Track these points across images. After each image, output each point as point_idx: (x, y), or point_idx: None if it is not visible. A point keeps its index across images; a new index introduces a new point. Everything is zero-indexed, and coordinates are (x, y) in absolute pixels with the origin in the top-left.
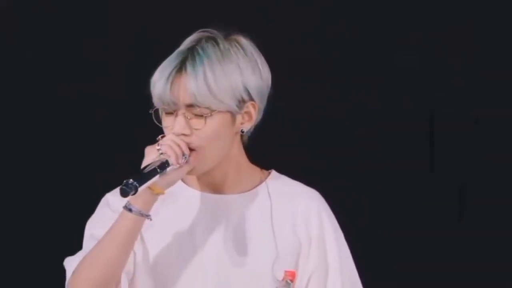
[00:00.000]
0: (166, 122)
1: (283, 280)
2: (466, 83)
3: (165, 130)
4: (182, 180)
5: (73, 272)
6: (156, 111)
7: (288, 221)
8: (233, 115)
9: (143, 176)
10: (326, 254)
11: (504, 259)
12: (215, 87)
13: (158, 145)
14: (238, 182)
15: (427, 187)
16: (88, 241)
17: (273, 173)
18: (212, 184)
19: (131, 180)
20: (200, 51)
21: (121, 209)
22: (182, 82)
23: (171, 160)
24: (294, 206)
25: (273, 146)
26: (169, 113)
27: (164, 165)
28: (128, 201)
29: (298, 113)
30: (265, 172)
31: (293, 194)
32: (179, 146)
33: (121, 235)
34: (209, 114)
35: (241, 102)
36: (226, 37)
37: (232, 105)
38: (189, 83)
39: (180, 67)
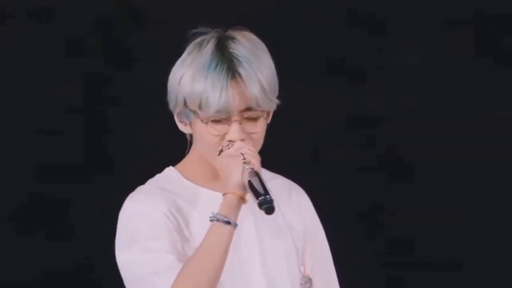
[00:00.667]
0: (215, 130)
1: (305, 275)
2: None
3: (209, 138)
4: (192, 180)
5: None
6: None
7: (294, 215)
8: (268, 115)
9: (265, 189)
10: (322, 246)
11: None
12: (268, 88)
13: (227, 154)
14: None
15: None
16: (146, 255)
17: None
18: (221, 181)
19: (268, 196)
20: (238, 54)
21: (165, 210)
22: (239, 88)
23: (255, 168)
24: (293, 200)
25: None
26: (216, 121)
27: (257, 174)
28: (222, 214)
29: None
30: None
31: (288, 188)
32: (255, 152)
33: (222, 249)
34: (263, 116)
35: (277, 105)
36: (233, 32)
37: (275, 106)
38: (251, 88)
39: (233, 74)
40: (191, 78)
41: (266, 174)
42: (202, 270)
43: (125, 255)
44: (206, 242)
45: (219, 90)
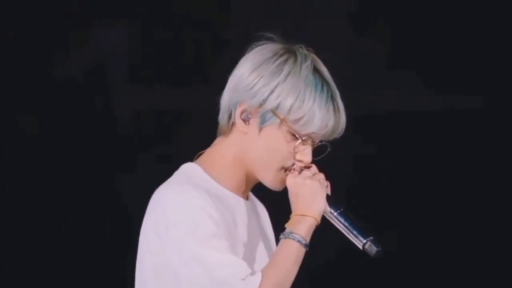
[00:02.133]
0: (299, 147)
1: None
2: None
3: (284, 151)
4: (221, 183)
5: None
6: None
7: (268, 227)
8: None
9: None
10: None
11: None
12: None
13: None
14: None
15: None
16: (220, 255)
17: None
18: (243, 187)
19: (372, 237)
20: (332, 83)
21: (215, 208)
22: (336, 121)
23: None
24: (261, 212)
25: None
26: (303, 140)
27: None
28: (303, 237)
29: None
30: None
31: (255, 200)
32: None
33: (297, 267)
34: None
35: None
36: (312, 54)
37: None
38: (343, 121)
39: (336, 106)
40: (294, 92)
41: None
42: (286, 282)
43: (191, 246)
44: (289, 259)
45: (324, 114)
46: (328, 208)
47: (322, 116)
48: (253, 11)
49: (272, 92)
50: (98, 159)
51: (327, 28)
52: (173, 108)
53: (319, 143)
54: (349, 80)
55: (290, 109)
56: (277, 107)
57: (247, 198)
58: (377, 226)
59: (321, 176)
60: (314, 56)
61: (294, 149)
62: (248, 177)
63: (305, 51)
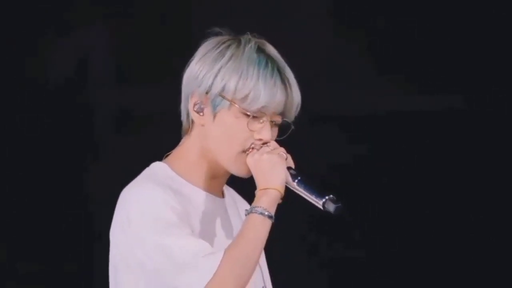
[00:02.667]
0: (253, 126)
1: (264, 286)
2: None
3: (240, 131)
4: (189, 180)
5: (219, 276)
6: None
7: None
8: (284, 133)
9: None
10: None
11: None
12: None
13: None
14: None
15: None
16: (181, 240)
17: None
18: (213, 183)
19: (332, 195)
20: (280, 60)
21: (176, 202)
22: (286, 93)
23: (299, 173)
24: (242, 209)
25: None
26: (256, 117)
27: (302, 176)
28: (265, 208)
29: None
30: None
31: (237, 196)
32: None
33: (263, 242)
34: (284, 125)
35: None
36: (261, 40)
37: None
38: (296, 95)
39: (282, 78)
40: (237, 72)
41: None
42: (247, 262)
43: (155, 238)
44: (252, 233)
45: (270, 88)
46: (290, 179)
47: (269, 89)
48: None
49: (216, 76)
50: (69, 157)
51: (313, 28)
52: (145, 107)
53: (281, 121)
54: (340, 78)
55: (235, 89)
56: (223, 89)
57: (222, 194)
58: (376, 226)
59: (281, 149)
60: (262, 40)
61: (249, 128)
62: (216, 171)
63: (249, 36)
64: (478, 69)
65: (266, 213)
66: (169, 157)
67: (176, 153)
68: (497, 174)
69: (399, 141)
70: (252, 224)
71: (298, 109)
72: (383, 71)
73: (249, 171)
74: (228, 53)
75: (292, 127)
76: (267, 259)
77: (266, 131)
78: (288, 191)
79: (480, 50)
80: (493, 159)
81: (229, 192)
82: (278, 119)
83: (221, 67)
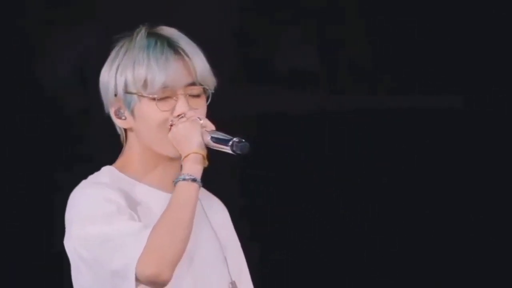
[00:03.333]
0: (164, 106)
1: (232, 281)
2: None
3: (158, 115)
4: (133, 177)
5: (149, 248)
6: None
7: (217, 220)
8: (207, 99)
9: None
10: (242, 257)
11: None
12: (209, 67)
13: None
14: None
15: None
16: (113, 225)
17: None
18: (165, 180)
19: (237, 138)
20: (174, 33)
21: (119, 196)
22: (183, 62)
23: (213, 131)
24: (215, 206)
25: None
26: (162, 99)
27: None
28: (188, 173)
29: None
30: None
31: (208, 196)
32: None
33: (192, 204)
34: (203, 94)
35: (213, 89)
36: (161, 26)
37: (213, 88)
38: (195, 61)
39: (175, 49)
40: (131, 63)
41: None
42: (177, 225)
43: (90, 230)
44: (177, 199)
45: (163, 64)
46: (208, 139)
47: (162, 66)
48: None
49: (115, 76)
50: (70, 158)
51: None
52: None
53: (202, 89)
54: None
55: (134, 80)
56: (125, 85)
57: None
58: (376, 226)
59: (191, 113)
60: (158, 26)
61: (162, 110)
62: (165, 165)
63: (143, 27)
64: (478, 69)
65: (188, 176)
66: (115, 164)
67: (121, 160)
68: (497, 174)
69: (399, 141)
70: (176, 191)
71: (210, 73)
72: (383, 71)
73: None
74: (122, 50)
75: (211, 91)
76: (253, 258)
77: (180, 105)
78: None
79: (480, 50)
80: (493, 159)
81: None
82: (194, 90)
83: (118, 65)
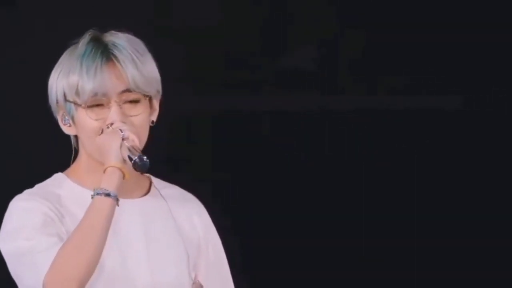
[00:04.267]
0: (96, 114)
1: (196, 281)
2: None
3: (90, 123)
4: (78, 182)
5: (54, 266)
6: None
7: (186, 221)
8: (151, 103)
9: (140, 152)
10: (219, 255)
11: None
12: (146, 72)
13: (109, 133)
14: (136, 185)
15: None
16: (29, 241)
17: (152, 177)
18: (126, 188)
19: (145, 157)
20: (114, 40)
21: (49, 205)
22: (115, 69)
23: (135, 143)
24: (187, 208)
25: None
26: (95, 106)
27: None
28: (102, 188)
29: None
30: (145, 175)
31: (183, 197)
32: (135, 132)
33: (103, 222)
34: (144, 99)
35: (157, 92)
36: (110, 31)
37: (155, 92)
38: (126, 67)
39: (108, 57)
40: (67, 71)
41: (159, 183)
42: (83, 245)
43: (10, 245)
44: (87, 217)
45: (93, 72)
46: (125, 153)
47: (92, 75)
48: None
49: (56, 84)
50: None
51: None
52: None
53: (138, 96)
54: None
55: (68, 88)
56: (63, 94)
57: (141, 194)
58: (376, 226)
59: (115, 125)
60: (107, 33)
61: (95, 118)
62: (101, 170)
63: (89, 33)
64: (478, 69)
65: (101, 191)
66: (67, 170)
67: (72, 166)
68: (497, 175)
69: (399, 141)
70: (90, 206)
71: (149, 79)
72: (383, 71)
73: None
74: (65, 56)
75: (148, 96)
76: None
77: (112, 114)
78: None
79: (480, 50)
80: (493, 160)
81: (166, 191)
82: (131, 96)
83: (59, 73)
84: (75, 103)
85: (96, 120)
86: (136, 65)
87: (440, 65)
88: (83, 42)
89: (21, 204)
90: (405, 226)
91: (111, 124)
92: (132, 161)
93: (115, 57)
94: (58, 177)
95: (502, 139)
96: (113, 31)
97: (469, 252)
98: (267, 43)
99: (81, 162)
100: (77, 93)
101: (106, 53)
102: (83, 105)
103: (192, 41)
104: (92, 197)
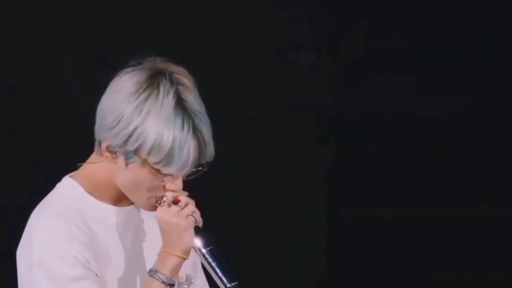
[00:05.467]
0: (176, 180)
1: (186, 274)
2: None
3: (150, 184)
4: (99, 198)
5: None
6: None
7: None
8: None
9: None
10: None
11: None
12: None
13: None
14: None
15: None
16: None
17: None
18: (121, 197)
19: (236, 283)
20: (196, 109)
21: (79, 245)
22: (199, 151)
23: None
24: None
25: None
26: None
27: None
28: (167, 276)
29: None
30: None
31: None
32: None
33: None
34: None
35: None
36: (178, 75)
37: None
38: (210, 149)
39: (195, 132)
40: (152, 132)
41: None
42: None
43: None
44: None
45: (186, 154)
46: (197, 244)
47: (182, 158)
48: None
49: (131, 135)
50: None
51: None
52: None
53: (196, 169)
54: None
55: (150, 151)
56: (137, 148)
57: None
58: (376, 226)
59: (189, 209)
60: (181, 84)
61: (159, 181)
62: (121, 191)
63: (168, 83)
64: (481, 71)
65: (168, 281)
66: (80, 173)
67: (88, 171)
68: (497, 175)
69: (399, 141)
70: (147, 285)
71: (212, 159)
72: (384, 71)
73: (156, 209)
74: (146, 108)
75: (204, 169)
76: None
77: (178, 183)
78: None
79: (481, 50)
80: (494, 159)
81: None
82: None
83: (137, 126)
84: (144, 161)
85: (159, 184)
86: (211, 140)
87: (442, 66)
88: (169, 103)
89: (51, 232)
90: (406, 226)
91: (175, 199)
92: (202, 254)
93: (203, 138)
94: (72, 186)
95: (502, 139)
96: (183, 79)
97: (469, 251)
98: None
99: (103, 179)
100: (158, 163)
101: (196, 134)
102: (152, 167)
103: None
104: (150, 274)
